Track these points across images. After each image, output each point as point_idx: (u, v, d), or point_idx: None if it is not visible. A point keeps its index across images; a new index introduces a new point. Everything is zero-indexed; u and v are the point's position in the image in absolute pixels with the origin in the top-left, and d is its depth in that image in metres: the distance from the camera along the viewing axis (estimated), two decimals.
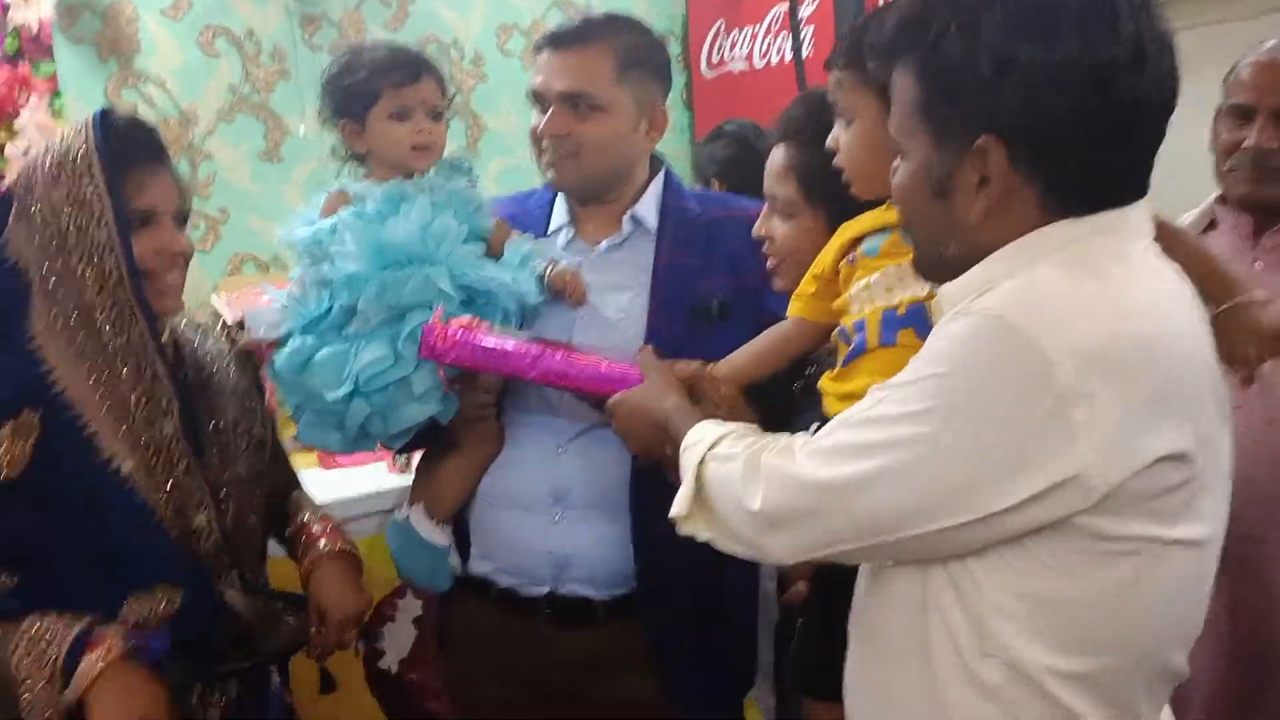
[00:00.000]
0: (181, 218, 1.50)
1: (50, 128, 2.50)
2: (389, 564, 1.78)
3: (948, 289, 1.06)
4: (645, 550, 1.63)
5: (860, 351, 1.29)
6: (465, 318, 1.52)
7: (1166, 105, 1.01)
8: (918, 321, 1.25)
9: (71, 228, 1.39)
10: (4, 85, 2.48)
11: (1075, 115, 0.98)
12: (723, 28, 3.86)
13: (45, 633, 1.35)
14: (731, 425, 1.24)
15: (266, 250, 3.12)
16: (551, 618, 1.67)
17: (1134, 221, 1.03)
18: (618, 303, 1.70)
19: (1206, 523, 1.02)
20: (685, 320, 1.66)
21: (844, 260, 1.33)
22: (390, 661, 2.55)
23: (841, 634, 1.20)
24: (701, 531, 1.20)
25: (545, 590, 1.67)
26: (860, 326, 1.30)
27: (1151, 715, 1.08)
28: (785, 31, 3.66)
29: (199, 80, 3.04)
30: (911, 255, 1.16)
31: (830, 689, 1.25)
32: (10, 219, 1.43)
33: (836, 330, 1.34)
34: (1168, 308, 1.01)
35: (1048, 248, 1.00)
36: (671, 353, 1.57)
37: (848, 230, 1.34)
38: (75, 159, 1.39)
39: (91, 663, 1.32)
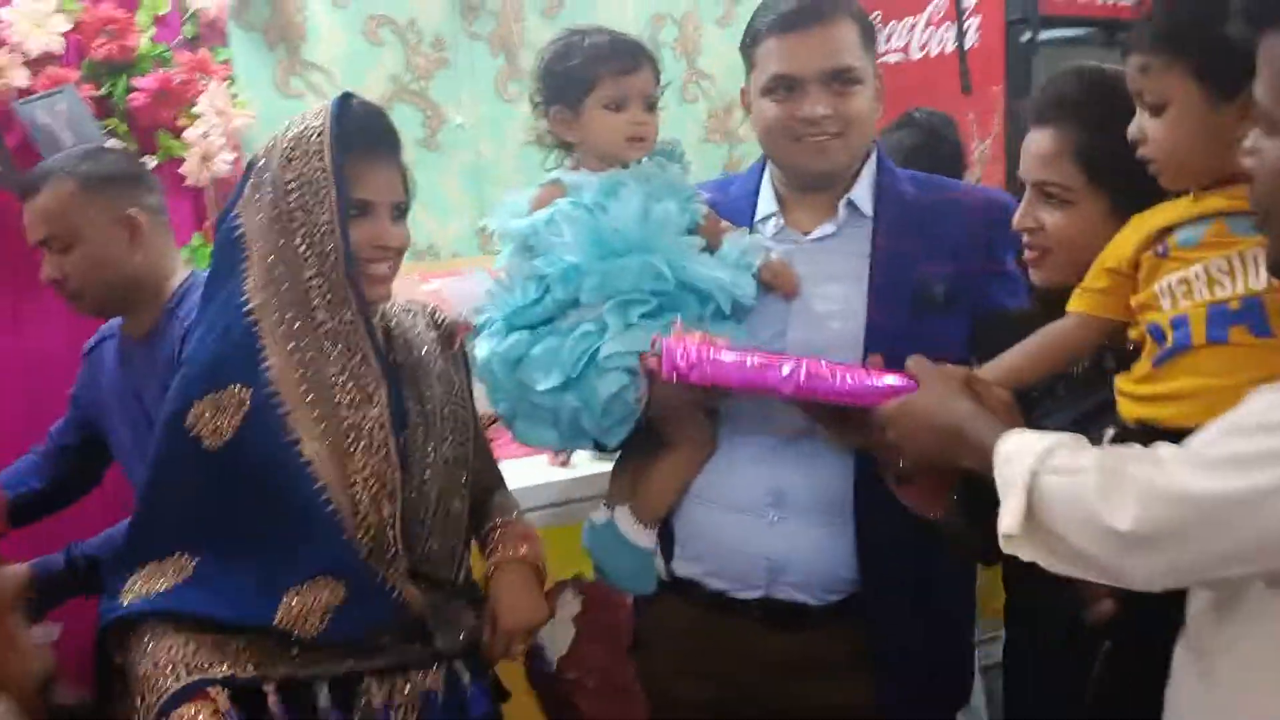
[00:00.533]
0: (400, 210, 1.49)
1: (228, 113, 2.51)
2: (549, 561, 1.72)
3: None
4: (869, 555, 1.56)
5: (1181, 349, 1.18)
6: (698, 333, 1.45)
7: None
8: (1253, 317, 1.13)
9: (297, 207, 1.38)
10: (185, 70, 2.49)
11: None
12: (879, 18, 3.75)
13: (168, 665, 1.35)
14: (1055, 435, 1.13)
15: (422, 238, 3.10)
16: (762, 619, 1.61)
17: None
18: (834, 294, 1.62)
19: None
20: (907, 310, 1.58)
21: (1149, 252, 1.22)
22: (549, 659, 2.51)
23: (1159, 660, 1.10)
24: (1028, 552, 1.10)
25: (758, 594, 1.60)
26: (1180, 323, 1.18)
27: None
28: (948, 22, 3.53)
29: (362, 68, 3.03)
30: (1240, 245, 1.06)
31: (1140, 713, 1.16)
32: (246, 189, 1.44)
33: (1145, 327, 1.23)
34: None
35: None
36: (893, 345, 1.49)
37: (1151, 221, 1.23)
38: (309, 140, 1.39)
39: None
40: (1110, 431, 1.24)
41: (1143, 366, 1.22)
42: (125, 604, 1.39)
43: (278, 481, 1.38)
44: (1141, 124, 1.23)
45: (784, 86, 1.59)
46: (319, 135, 1.39)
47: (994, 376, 1.35)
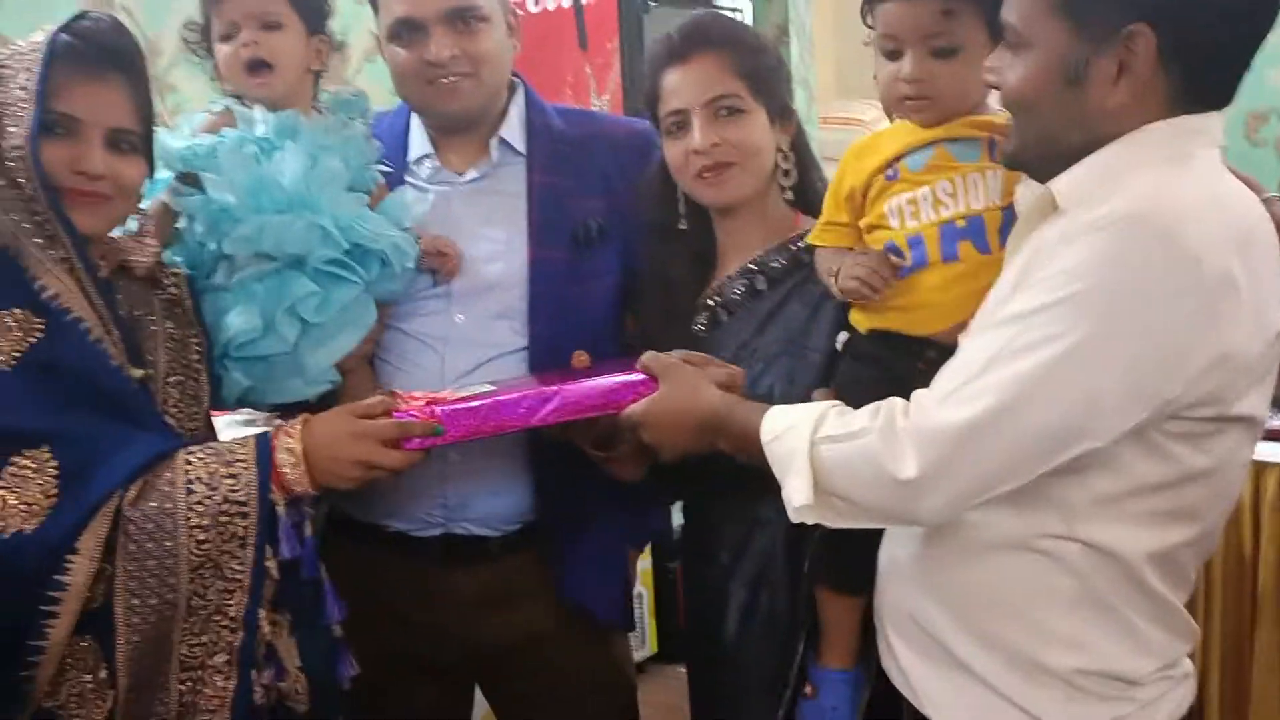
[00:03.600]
0: (123, 140, 1.31)
1: None
2: None
3: (1063, 185, 1.10)
4: (543, 488, 1.62)
5: (919, 266, 1.32)
6: (420, 393, 1.41)
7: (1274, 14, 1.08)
8: (977, 235, 1.29)
9: None
10: None
11: (1228, 10, 1.04)
12: None
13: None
14: (813, 406, 1.22)
15: None
16: (443, 557, 1.63)
17: (1218, 126, 1.12)
18: (494, 236, 1.64)
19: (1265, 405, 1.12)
20: (566, 247, 1.61)
21: (880, 176, 1.34)
22: None
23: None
24: (816, 517, 1.18)
25: (438, 533, 1.63)
26: (916, 241, 1.32)
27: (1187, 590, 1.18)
28: None
29: (163, 11, 2.70)
30: (961, 169, 1.24)
31: (858, 582, 1.32)
32: None
33: (882, 246, 1.35)
34: (1251, 200, 1.11)
35: (1160, 142, 1.07)
36: (554, 283, 1.58)
37: (885, 148, 1.35)
38: (20, 57, 1.24)
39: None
40: (842, 336, 1.41)
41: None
42: None
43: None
44: (922, 66, 1.29)
45: (407, 30, 1.57)
46: (32, 50, 1.24)
47: None
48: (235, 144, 1.47)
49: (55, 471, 1.18)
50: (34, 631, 1.15)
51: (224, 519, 1.22)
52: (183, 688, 1.21)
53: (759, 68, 1.54)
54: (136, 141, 1.33)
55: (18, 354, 1.20)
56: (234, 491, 1.22)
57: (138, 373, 1.31)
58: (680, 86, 1.53)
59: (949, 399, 1.08)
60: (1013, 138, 1.17)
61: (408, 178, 1.66)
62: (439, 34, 1.56)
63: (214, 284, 1.47)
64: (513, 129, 1.67)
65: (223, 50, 1.53)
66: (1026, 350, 1.04)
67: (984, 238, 1.30)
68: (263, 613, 1.25)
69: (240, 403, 1.54)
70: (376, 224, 1.51)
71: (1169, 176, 1.06)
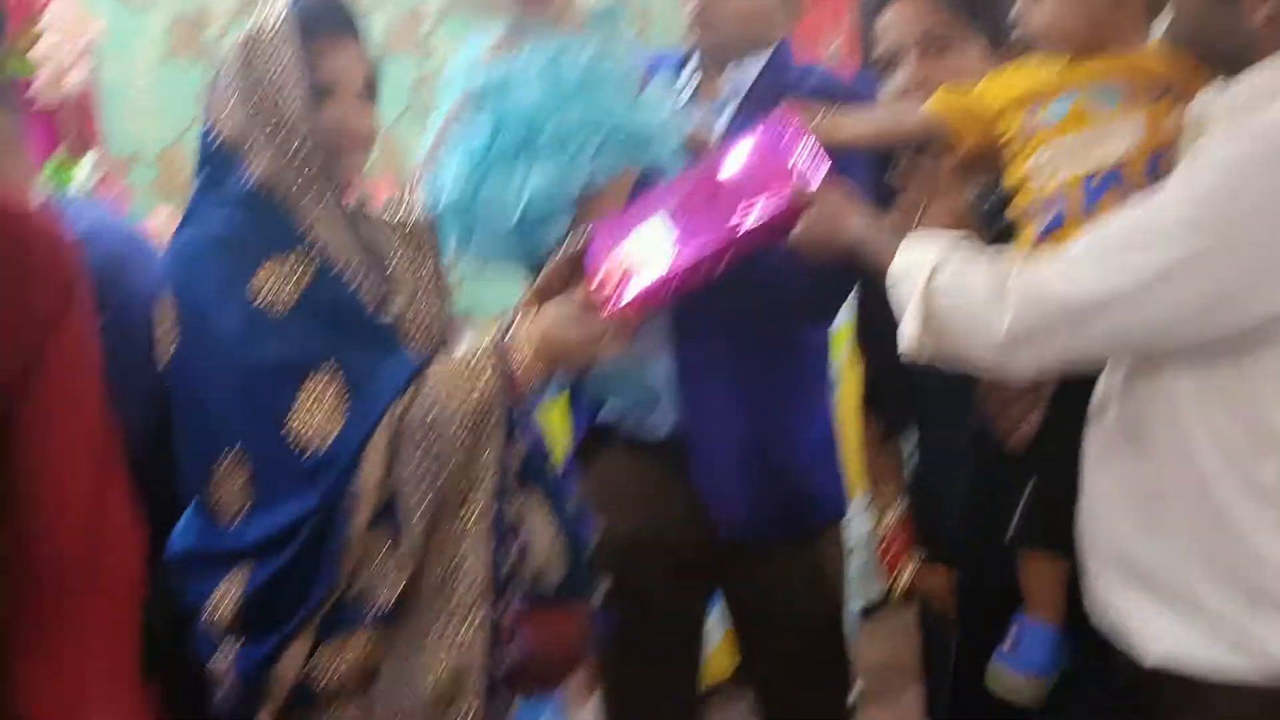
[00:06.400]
0: (366, 91, 1.46)
1: (83, 23, 2.40)
2: None
3: (1208, 100, 1.11)
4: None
5: (1060, 224, 1.29)
6: (604, 261, 1.49)
7: None
8: (1118, 183, 1.26)
9: (266, 102, 1.38)
10: None
11: None
12: None
13: None
14: (939, 246, 1.26)
15: None
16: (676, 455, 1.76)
17: None
18: None
19: None
20: None
21: (1019, 116, 1.33)
22: None
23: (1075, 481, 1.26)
24: (925, 358, 1.26)
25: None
26: (1057, 199, 1.30)
27: None
28: None
29: None
30: (1099, 120, 1.23)
31: (1065, 542, 1.31)
32: (213, 100, 1.42)
33: (1025, 206, 1.33)
34: None
35: None
36: None
37: (1020, 83, 1.34)
38: (267, 32, 1.38)
39: None
40: None
41: (1026, 242, 1.33)
42: None
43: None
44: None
45: None
46: (277, 24, 1.38)
47: (834, 130, 1.46)
48: (528, 59, 1.61)
49: (338, 395, 1.34)
50: (338, 529, 1.31)
51: (478, 415, 1.36)
52: (453, 563, 1.37)
53: None
54: (372, 91, 1.48)
55: (295, 294, 1.35)
56: (484, 391, 1.37)
57: (389, 312, 1.45)
58: (888, 27, 1.54)
59: (1066, 271, 1.13)
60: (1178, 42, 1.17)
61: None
62: None
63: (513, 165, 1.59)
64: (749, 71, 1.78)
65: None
66: (1160, 244, 1.06)
67: (1127, 183, 1.25)
68: (511, 492, 1.40)
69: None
70: (650, 113, 1.65)
71: None
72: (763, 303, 1.66)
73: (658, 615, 1.85)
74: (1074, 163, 1.28)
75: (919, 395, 1.67)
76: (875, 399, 1.80)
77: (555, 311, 1.44)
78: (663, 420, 1.75)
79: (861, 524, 2.56)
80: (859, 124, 1.48)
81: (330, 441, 1.32)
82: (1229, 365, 1.10)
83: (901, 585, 1.71)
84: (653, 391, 1.74)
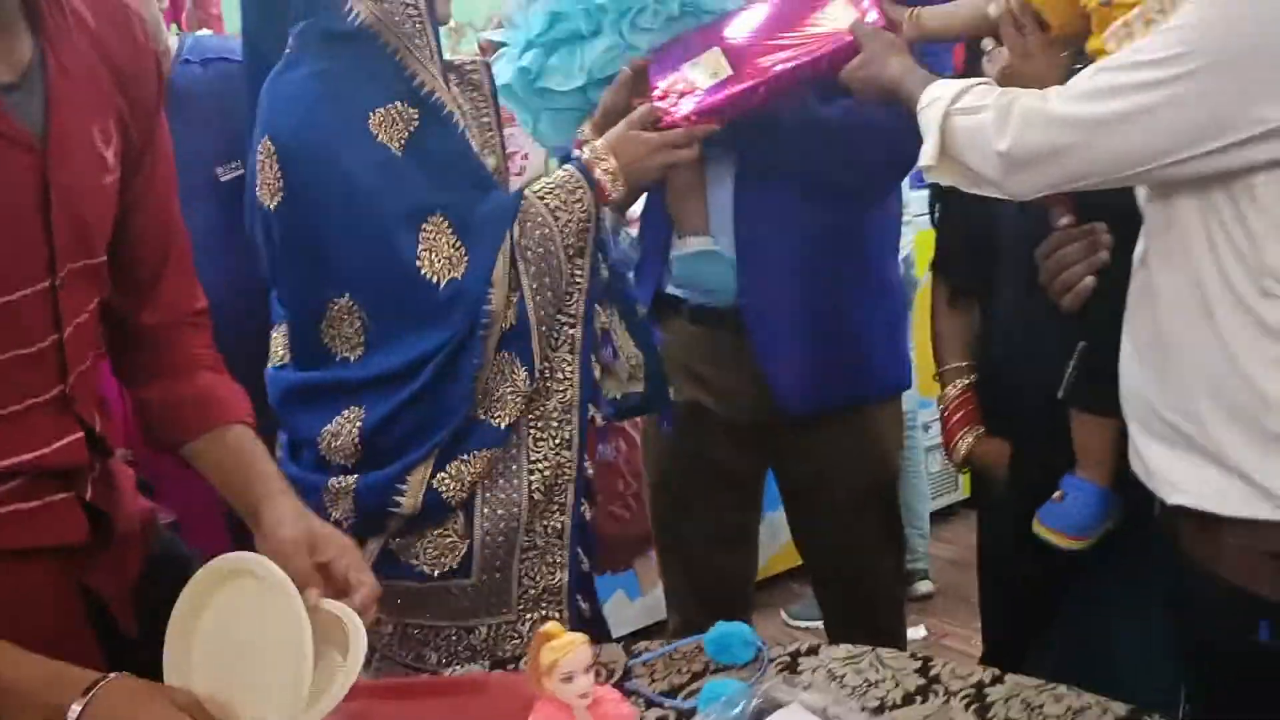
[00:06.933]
0: None
1: None
2: None
3: None
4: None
5: None
6: (660, 83, 1.55)
7: None
8: None
9: None
10: None
11: None
12: None
13: None
14: (965, 81, 1.33)
15: None
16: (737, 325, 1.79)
17: None
18: None
19: None
20: None
21: None
22: None
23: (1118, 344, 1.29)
24: (947, 178, 1.33)
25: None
26: None
27: None
28: None
29: None
30: None
31: (1112, 403, 1.33)
32: None
33: None
34: None
35: None
36: None
37: None
38: None
39: None
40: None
41: None
42: None
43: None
44: None
45: None
46: None
47: (921, 25, 1.51)
48: None
49: (453, 230, 1.39)
50: (472, 354, 1.39)
51: (579, 232, 1.46)
52: (553, 374, 1.47)
53: None
54: None
55: (402, 140, 1.40)
56: (583, 210, 1.46)
57: (491, 160, 1.52)
58: None
59: (1066, 94, 1.18)
60: None
61: None
62: None
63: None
64: None
65: None
66: (1149, 71, 1.11)
67: None
68: (598, 307, 1.51)
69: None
70: None
71: None
72: (827, 159, 1.67)
73: (716, 481, 1.89)
74: (1143, 26, 1.26)
75: (986, 261, 1.66)
76: (943, 264, 1.80)
77: (624, 127, 1.52)
78: (725, 291, 1.77)
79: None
80: (948, 14, 1.51)
81: (463, 271, 1.38)
82: (1229, 208, 1.12)
83: (959, 456, 1.72)
84: (719, 263, 1.75)
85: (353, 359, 1.42)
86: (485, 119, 1.56)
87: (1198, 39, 1.09)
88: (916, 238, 2.86)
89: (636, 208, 1.83)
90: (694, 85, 1.54)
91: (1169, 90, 1.10)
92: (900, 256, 2.15)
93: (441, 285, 1.37)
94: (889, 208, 1.88)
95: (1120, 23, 1.29)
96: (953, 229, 1.77)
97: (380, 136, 1.38)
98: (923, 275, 1.88)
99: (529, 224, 1.43)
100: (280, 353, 1.50)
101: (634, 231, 1.81)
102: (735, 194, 1.73)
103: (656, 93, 1.55)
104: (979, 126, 1.26)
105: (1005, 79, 1.34)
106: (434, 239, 1.38)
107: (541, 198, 1.45)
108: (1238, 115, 1.08)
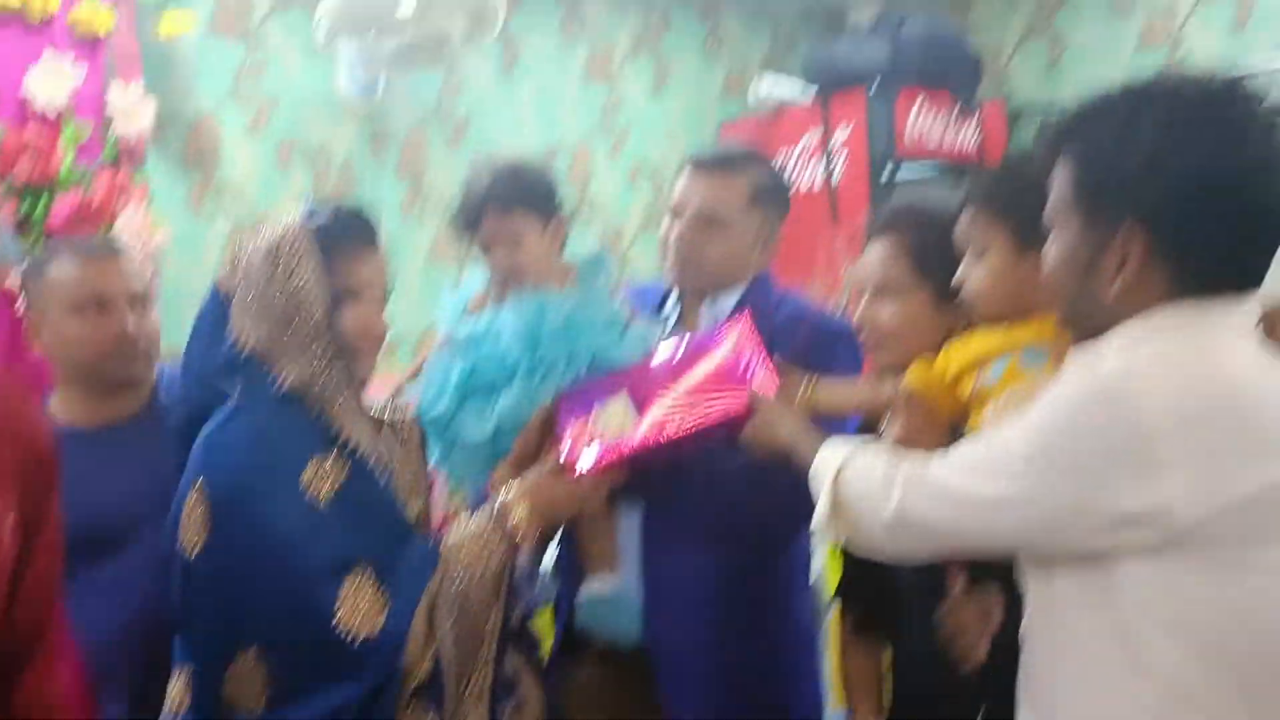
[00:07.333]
0: (384, 299, 1.58)
1: (148, 231, 2.65)
2: None
3: (1075, 354, 1.24)
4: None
5: None
6: (570, 426, 1.64)
7: None
8: None
9: (290, 309, 1.46)
10: (104, 191, 2.63)
11: (1207, 212, 1.14)
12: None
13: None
14: (855, 443, 1.41)
15: None
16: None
17: (1244, 310, 1.20)
18: None
19: None
20: None
21: (971, 377, 1.47)
22: None
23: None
24: (839, 538, 1.39)
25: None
26: None
27: None
28: (818, 157, 3.88)
29: (273, 191, 3.22)
30: (1029, 377, 1.37)
31: None
32: (232, 313, 1.49)
33: None
34: (1256, 374, 1.17)
35: (1165, 324, 1.17)
36: None
37: (971, 349, 1.48)
38: (290, 244, 1.46)
39: None
40: None
41: None
42: None
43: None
44: (967, 266, 1.51)
45: (672, 211, 1.90)
46: (297, 241, 1.46)
47: (817, 398, 1.62)
48: (509, 316, 1.76)
49: (375, 583, 1.41)
50: (386, 704, 1.40)
51: (495, 580, 1.49)
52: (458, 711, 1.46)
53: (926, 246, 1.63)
54: (388, 295, 1.60)
55: (331, 493, 1.44)
56: (497, 561, 1.50)
57: (416, 504, 1.59)
58: (860, 263, 1.69)
59: (949, 469, 1.25)
60: (1058, 312, 1.32)
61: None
62: (688, 223, 1.87)
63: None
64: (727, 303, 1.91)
65: (485, 257, 1.85)
66: (1002, 471, 1.20)
67: None
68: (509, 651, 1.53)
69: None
70: (621, 351, 1.76)
71: (1154, 348, 1.16)
72: (731, 508, 1.75)
73: None
74: (1009, 415, 1.38)
75: (890, 595, 1.71)
76: (847, 594, 1.84)
77: (534, 474, 1.59)
78: (633, 632, 1.78)
79: None
80: (841, 395, 1.65)
81: (381, 625, 1.40)
82: (1099, 589, 1.18)
83: None
84: (626, 605, 1.78)
85: (256, 717, 1.41)
86: (415, 475, 1.64)
87: (1048, 432, 1.17)
88: (829, 552, 2.91)
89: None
90: (601, 434, 1.62)
91: (1029, 481, 1.17)
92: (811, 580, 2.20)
93: (358, 640, 1.38)
94: (799, 543, 1.93)
95: (991, 408, 1.43)
96: (855, 559, 1.81)
97: (309, 490, 1.43)
98: (830, 600, 1.93)
99: (447, 578, 1.47)
100: (178, 701, 1.48)
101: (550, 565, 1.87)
102: (643, 536, 1.79)
103: (565, 439, 1.63)
104: (867, 492, 1.32)
105: (896, 450, 1.44)
106: (356, 592, 1.40)
107: (459, 550, 1.49)
108: (1090, 505, 1.15)
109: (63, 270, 1.78)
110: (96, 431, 1.80)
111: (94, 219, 2.61)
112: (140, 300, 1.81)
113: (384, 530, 1.49)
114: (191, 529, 1.42)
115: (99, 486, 1.68)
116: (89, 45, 2.70)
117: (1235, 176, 1.14)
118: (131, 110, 2.71)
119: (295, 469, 1.43)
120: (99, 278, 1.78)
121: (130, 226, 2.63)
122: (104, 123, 2.71)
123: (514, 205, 1.82)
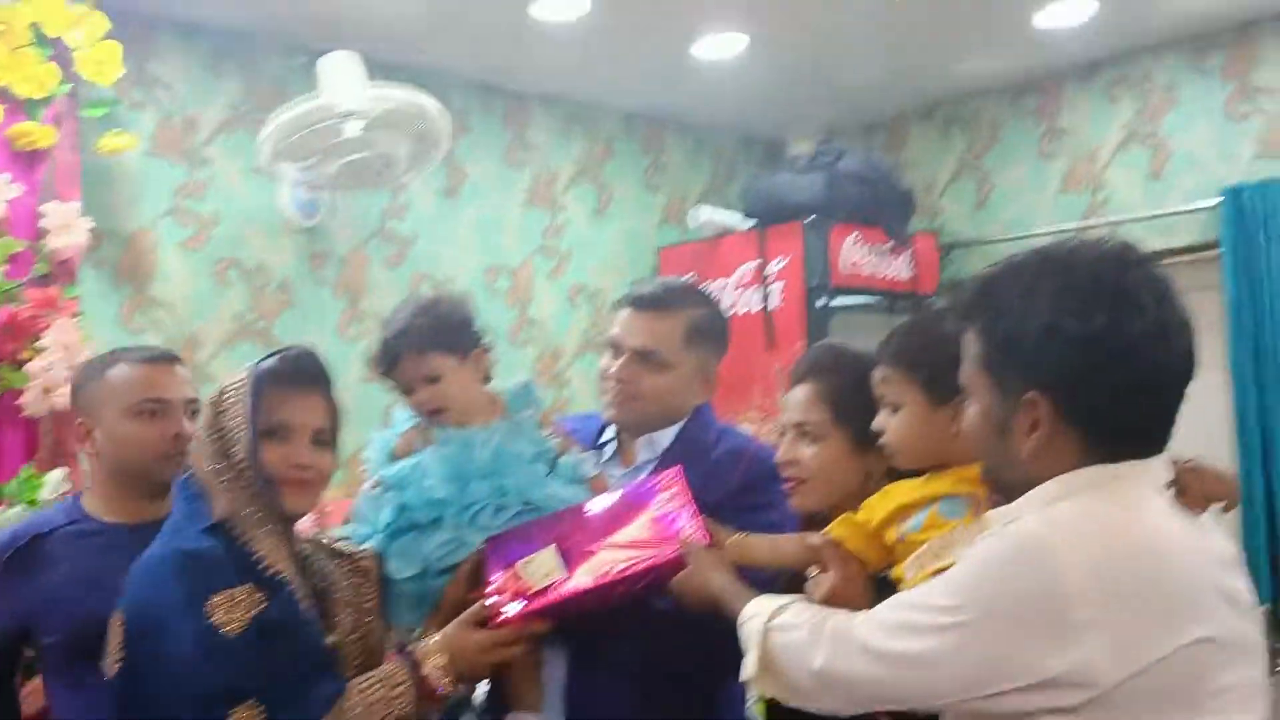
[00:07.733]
0: (321, 437, 1.59)
1: (76, 347, 2.61)
2: None
3: (995, 513, 1.26)
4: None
5: None
6: (496, 577, 1.63)
7: (1187, 374, 1.22)
8: None
9: (224, 447, 1.52)
10: (33, 306, 2.60)
11: (1106, 379, 1.18)
12: (694, 281, 4.15)
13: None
14: (781, 600, 1.41)
15: None
16: None
17: (1155, 470, 1.23)
18: None
19: (1249, 711, 1.18)
20: None
21: (893, 528, 1.49)
22: None
23: None
24: (768, 691, 1.38)
25: None
26: None
27: None
28: (755, 285, 3.95)
29: (209, 307, 3.20)
30: (949, 526, 1.39)
31: None
32: (193, 446, 1.58)
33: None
34: (1170, 534, 1.19)
35: (1079, 485, 1.20)
36: None
37: (894, 498, 1.51)
38: (236, 386, 1.53)
39: None
40: None
41: None
42: None
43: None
44: (883, 419, 1.55)
45: (611, 346, 1.92)
46: (243, 379, 1.53)
47: (747, 552, 1.62)
48: (436, 458, 1.76)
49: (263, 717, 1.40)
50: None
51: None
52: None
53: (844, 392, 1.66)
54: (330, 439, 1.61)
55: (244, 622, 1.44)
56: (403, 705, 1.51)
57: (331, 638, 1.55)
58: (785, 404, 1.72)
59: (874, 623, 1.25)
60: (980, 469, 1.35)
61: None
62: (626, 361, 1.89)
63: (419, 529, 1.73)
64: (664, 438, 1.91)
65: (407, 399, 1.85)
66: (925, 628, 1.20)
67: None
68: None
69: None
70: (552, 487, 1.77)
71: (1072, 508, 1.18)
72: (658, 652, 1.72)
73: None
74: (930, 561, 1.42)
75: None
76: None
77: (457, 625, 1.59)
78: None
79: None
80: (768, 549, 1.65)
81: None
82: None
83: None
84: None
85: None
86: (368, 603, 1.65)
87: (970, 592, 1.18)
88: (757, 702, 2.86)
89: None
90: (527, 586, 1.61)
91: (949, 637, 1.18)
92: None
93: None
94: (728, 689, 1.87)
95: (914, 556, 1.44)
96: (783, 708, 1.80)
97: (215, 617, 1.43)
98: None
99: (345, 715, 1.46)
100: None
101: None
102: (568, 677, 1.76)
103: (491, 588, 1.62)
104: (795, 644, 1.33)
105: (825, 603, 1.44)
106: None
107: (363, 690, 1.49)
108: (1010, 665, 1.15)
109: (123, 375, 1.87)
110: (135, 528, 1.80)
111: (21, 333, 2.57)
112: (193, 406, 1.87)
113: (292, 663, 1.47)
114: (113, 650, 1.47)
115: None
116: (26, 160, 2.70)
117: (1129, 343, 1.18)
118: (66, 226, 2.70)
119: (204, 595, 1.45)
120: (159, 383, 1.87)
121: (58, 342, 2.59)
122: (38, 235, 2.69)
123: (427, 347, 1.82)
